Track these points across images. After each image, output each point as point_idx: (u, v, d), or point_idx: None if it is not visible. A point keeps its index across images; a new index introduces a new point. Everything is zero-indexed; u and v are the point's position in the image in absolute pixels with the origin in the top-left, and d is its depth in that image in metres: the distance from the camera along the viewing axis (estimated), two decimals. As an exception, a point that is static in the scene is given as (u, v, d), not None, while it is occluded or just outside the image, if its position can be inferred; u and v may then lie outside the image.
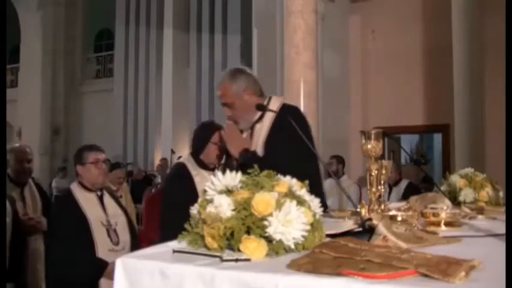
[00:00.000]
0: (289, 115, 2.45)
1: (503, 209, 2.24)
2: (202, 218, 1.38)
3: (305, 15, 5.88)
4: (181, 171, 3.15)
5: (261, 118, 2.70)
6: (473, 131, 7.35)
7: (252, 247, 1.31)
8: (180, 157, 5.76)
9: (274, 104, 2.71)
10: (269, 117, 2.69)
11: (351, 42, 9.45)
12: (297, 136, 2.25)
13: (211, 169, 3.17)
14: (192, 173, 3.09)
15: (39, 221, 3.70)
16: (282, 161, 2.21)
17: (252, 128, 2.74)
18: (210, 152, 3.16)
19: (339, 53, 8.97)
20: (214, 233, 1.34)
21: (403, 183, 6.61)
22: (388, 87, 9.07)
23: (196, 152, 3.21)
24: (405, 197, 4.46)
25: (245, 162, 2.27)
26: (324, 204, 1.97)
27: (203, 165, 3.16)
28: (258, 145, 2.66)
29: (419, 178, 7.48)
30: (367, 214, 1.88)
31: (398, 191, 6.42)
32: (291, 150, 2.47)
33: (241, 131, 2.74)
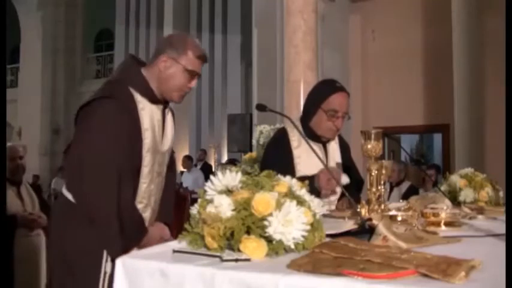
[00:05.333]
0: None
1: (503, 209, 2.24)
2: (202, 218, 1.38)
3: (305, 15, 5.87)
4: (278, 140, 2.59)
5: None
6: (473, 131, 7.35)
7: (252, 247, 1.31)
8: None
9: None
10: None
11: (351, 42, 9.43)
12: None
13: (322, 142, 2.54)
14: (293, 144, 2.50)
15: (40, 216, 3.73)
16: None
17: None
18: (322, 121, 2.47)
19: (339, 53, 8.96)
20: (214, 233, 1.34)
21: (405, 185, 6.60)
22: (388, 87, 9.06)
23: (305, 117, 2.54)
24: (405, 198, 4.46)
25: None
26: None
27: (312, 136, 2.45)
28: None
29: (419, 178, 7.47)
30: (367, 214, 1.88)
31: (399, 192, 6.41)
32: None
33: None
